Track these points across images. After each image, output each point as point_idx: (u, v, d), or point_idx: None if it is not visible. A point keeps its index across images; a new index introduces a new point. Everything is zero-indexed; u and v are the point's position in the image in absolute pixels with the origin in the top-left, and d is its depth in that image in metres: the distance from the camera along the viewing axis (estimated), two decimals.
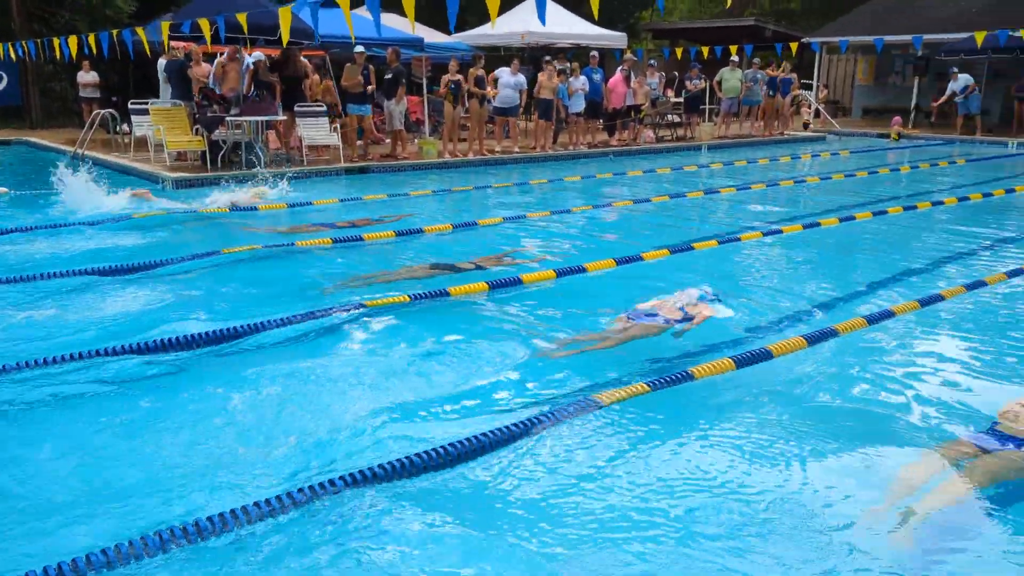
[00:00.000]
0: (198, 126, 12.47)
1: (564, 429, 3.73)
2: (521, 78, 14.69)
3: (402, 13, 16.99)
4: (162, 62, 13.70)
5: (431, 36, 17.61)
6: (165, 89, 13.61)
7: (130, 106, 13.26)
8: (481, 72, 14.40)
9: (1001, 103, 21.24)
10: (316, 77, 13.98)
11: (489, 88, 14.60)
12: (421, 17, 8.29)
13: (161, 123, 12.30)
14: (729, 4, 11.07)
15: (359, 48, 13.08)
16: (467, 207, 10.70)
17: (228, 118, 12.23)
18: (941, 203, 10.55)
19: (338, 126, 13.43)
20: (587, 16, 20.22)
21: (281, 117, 12.73)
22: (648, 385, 4.13)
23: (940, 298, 5.91)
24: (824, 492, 3.33)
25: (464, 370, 4.56)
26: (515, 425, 3.66)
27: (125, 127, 14.61)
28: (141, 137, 13.10)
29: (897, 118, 20.66)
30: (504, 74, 14.59)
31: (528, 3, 18.34)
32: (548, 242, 8.15)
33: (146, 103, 12.93)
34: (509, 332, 5.20)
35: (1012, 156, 16.89)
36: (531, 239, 8.25)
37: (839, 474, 3.48)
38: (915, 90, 21.71)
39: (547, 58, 15.83)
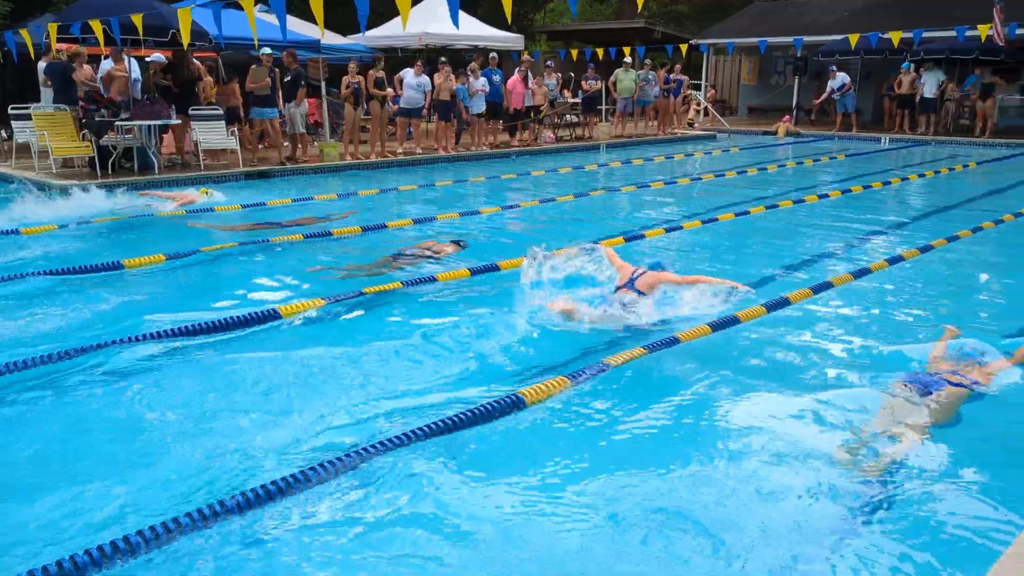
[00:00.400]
0: (85, 131, 11.95)
1: (494, 425, 3.86)
2: (425, 79, 14.72)
3: (299, 14, 16.69)
4: (42, 64, 13.03)
5: (327, 37, 17.36)
6: (47, 93, 12.95)
7: (10, 111, 12.58)
8: (381, 74, 14.35)
9: (873, 101, 22.64)
10: (210, 79, 13.61)
11: (390, 89, 14.56)
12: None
13: (45, 128, 11.69)
14: (640, 6, 11.35)
15: (266, 50, 12.83)
16: (380, 207, 10.68)
17: (118, 122, 11.78)
18: (827, 196, 11.21)
19: (236, 129, 13.12)
20: (482, 18, 20.43)
21: (175, 121, 12.34)
22: (568, 378, 4.30)
23: (830, 285, 6.35)
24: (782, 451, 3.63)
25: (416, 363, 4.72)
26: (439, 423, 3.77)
27: (3, 133, 13.84)
28: (23, 143, 12.45)
29: (787, 117, 21.64)
30: (408, 75, 14.60)
31: (424, 5, 18.34)
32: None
33: (27, 107, 12.29)
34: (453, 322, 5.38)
35: (885, 151, 18.04)
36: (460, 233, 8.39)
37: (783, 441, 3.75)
38: (796, 89, 22.88)
39: (442, 59, 15.87)
